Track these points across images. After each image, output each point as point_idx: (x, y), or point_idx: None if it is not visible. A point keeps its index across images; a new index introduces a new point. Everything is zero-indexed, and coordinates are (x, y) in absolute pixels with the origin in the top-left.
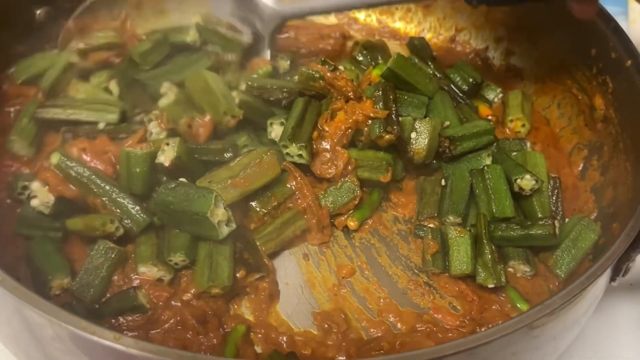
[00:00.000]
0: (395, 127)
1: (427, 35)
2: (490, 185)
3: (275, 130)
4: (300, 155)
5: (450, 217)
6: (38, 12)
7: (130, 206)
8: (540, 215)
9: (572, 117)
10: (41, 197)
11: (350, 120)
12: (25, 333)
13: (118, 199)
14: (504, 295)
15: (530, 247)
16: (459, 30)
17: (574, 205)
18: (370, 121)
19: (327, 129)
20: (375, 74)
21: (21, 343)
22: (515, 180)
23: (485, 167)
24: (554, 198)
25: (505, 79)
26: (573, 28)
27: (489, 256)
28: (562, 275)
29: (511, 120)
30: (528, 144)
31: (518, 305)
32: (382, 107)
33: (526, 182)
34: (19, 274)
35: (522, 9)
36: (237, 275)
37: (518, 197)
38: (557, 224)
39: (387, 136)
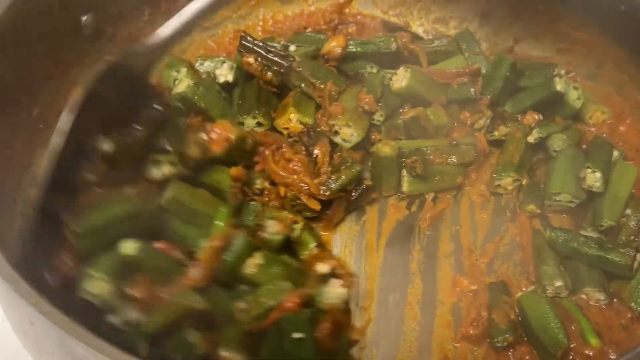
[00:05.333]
0: None
1: (483, 46)
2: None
3: None
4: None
5: None
6: (84, 18)
7: None
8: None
9: None
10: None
11: None
12: None
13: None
14: (574, 325)
15: (602, 271)
16: (517, 41)
17: None
18: None
19: None
20: None
21: None
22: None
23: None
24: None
25: None
26: None
27: None
28: (638, 309)
29: (590, 117)
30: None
31: (588, 338)
32: None
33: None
34: None
35: (588, 17)
36: None
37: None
38: (638, 257)
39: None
